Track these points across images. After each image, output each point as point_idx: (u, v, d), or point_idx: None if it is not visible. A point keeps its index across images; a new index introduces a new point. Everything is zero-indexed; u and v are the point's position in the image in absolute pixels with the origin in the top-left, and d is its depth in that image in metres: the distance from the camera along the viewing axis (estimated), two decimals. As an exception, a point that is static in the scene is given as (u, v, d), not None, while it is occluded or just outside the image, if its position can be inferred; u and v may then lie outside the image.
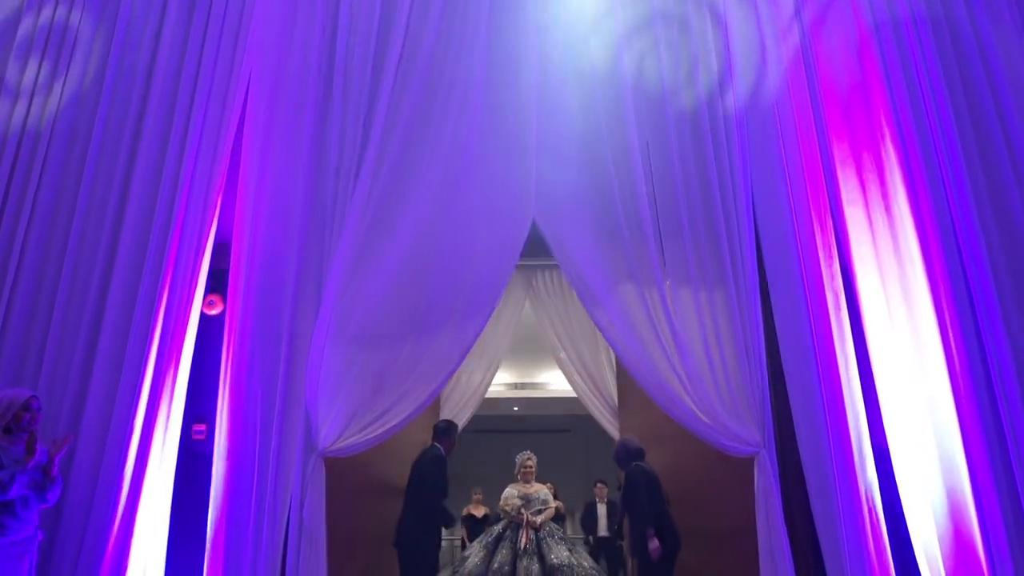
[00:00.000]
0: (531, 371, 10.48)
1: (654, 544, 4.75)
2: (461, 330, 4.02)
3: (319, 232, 4.19)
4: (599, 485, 8.85)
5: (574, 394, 11.04)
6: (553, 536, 6.01)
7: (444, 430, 5.24)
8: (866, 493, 3.87)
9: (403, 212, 4.18)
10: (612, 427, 6.16)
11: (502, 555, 5.73)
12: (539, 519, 6.05)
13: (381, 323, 4.01)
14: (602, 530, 8.56)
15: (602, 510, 8.76)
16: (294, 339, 4.02)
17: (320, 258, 4.16)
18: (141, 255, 4.13)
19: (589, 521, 8.75)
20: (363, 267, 4.05)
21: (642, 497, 4.86)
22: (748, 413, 4.04)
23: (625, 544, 6.96)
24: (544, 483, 6.37)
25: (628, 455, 5.21)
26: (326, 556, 3.72)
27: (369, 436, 3.92)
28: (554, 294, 5.94)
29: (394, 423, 3.94)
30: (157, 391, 3.90)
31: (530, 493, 6.27)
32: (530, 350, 9.57)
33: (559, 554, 5.78)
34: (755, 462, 3.97)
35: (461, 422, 6.07)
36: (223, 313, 4.10)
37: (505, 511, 6.19)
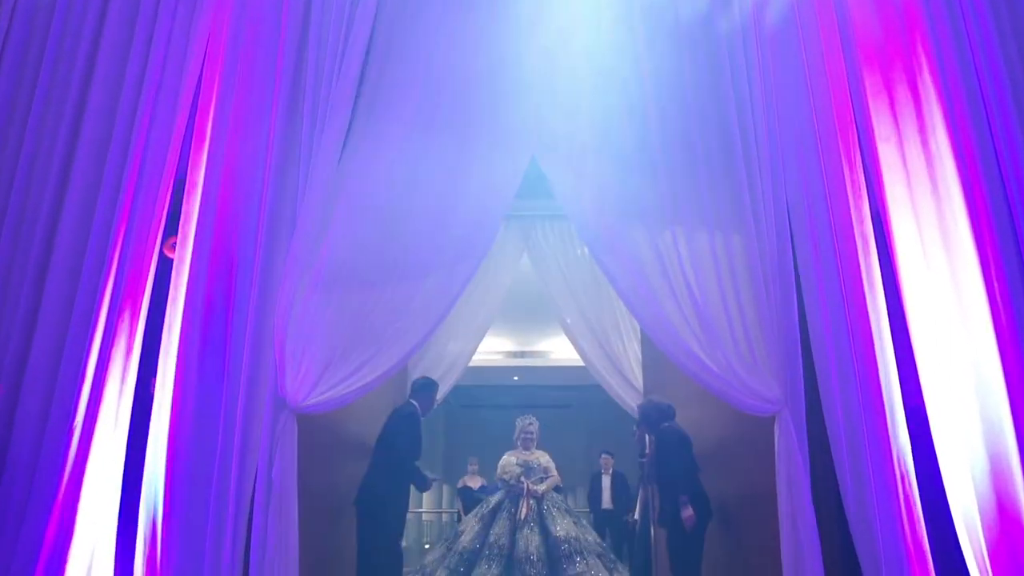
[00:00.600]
0: (532, 338, 10.08)
1: (688, 512, 4.32)
2: (448, 276, 3.60)
3: (291, 167, 3.77)
4: (605, 456, 8.52)
5: (578, 363, 10.71)
6: (557, 507, 5.62)
7: (422, 387, 4.83)
8: (898, 457, 3.46)
9: (384, 147, 3.74)
10: (625, 395, 5.68)
11: (499, 526, 5.40)
12: (541, 488, 5.66)
13: (360, 266, 3.59)
14: (606, 503, 8.22)
15: (606, 482, 8.43)
16: (263, 283, 3.61)
17: (293, 195, 3.74)
18: (95, 190, 3.72)
19: (594, 493, 8.43)
20: (341, 205, 3.63)
21: (676, 460, 4.44)
22: (768, 368, 3.63)
23: (632, 516, 6.56)
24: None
25: (659, 414, 4.72)
26: (297, 518, 3.34)
27: (345, 391, 3.51)
28: (555, 248, 5.49)
29: (372, 377, 3.54)
30: (110, 340, 3.50)
31: (531, 460, 5.92)
32: (531, 316, 9.17)
33: (563, 526, 5.41)
34: (776, 422, 3.57)
35: (440, 394, 5.57)
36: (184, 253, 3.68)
37: (503, 479, 5.82)
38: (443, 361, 5.81)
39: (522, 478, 5.75)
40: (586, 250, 5.62)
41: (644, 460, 5.31)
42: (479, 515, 5.72)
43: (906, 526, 3.35)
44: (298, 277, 3.52)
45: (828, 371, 3.62)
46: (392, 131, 3.72)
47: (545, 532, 5.39)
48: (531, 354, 10.22)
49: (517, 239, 5.50)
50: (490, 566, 5.21)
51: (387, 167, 3.67)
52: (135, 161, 3.74)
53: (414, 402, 4.74)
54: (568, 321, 5.72)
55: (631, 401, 5.53)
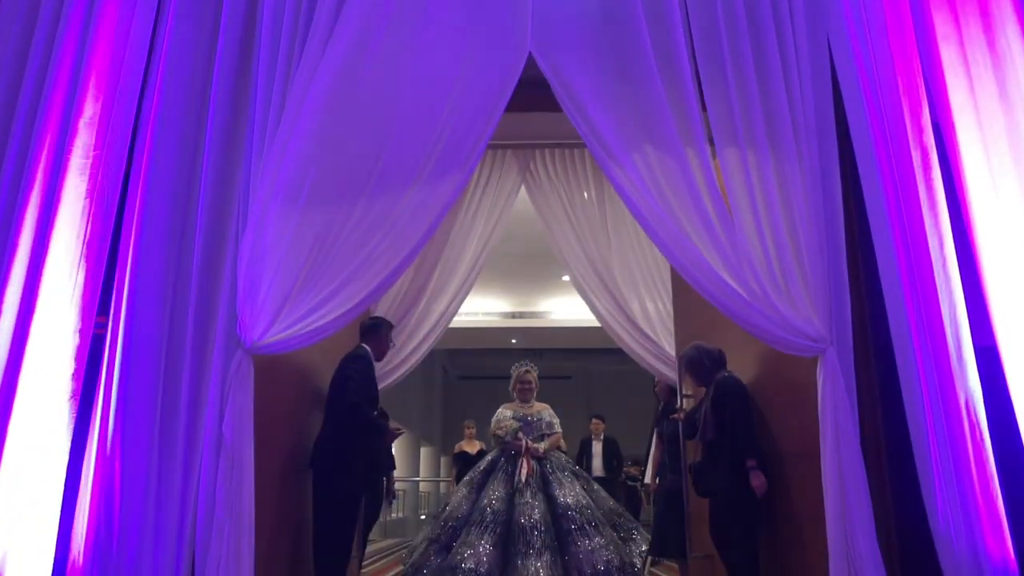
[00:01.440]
0: (531, 298, 9.52)
1: (759, 479, 3.59)
2: (431, 190, 3.03)
3: (246, 63, 3.19)
4: (595, 420, 8.02)
5: (581, 323, 10.16)
6: (563, 469, 4.85)
7: (372, 327, 4.18)
8: (967, 404, 2.93)
9: (363, 37, 3.14)
10: (642, 350, 4.93)
11: (494, 490, 4.65)
12: (542, 446, 4.93)
13: (329, 177, 3.01)
14: (597, 470, 7.73)
15: (597, 447, 7.94)
16: (215, 200, 3.05)
17: (250, 96, 3.16)
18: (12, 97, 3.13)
19: (584, 459, 7.93)
20: (306, 105, 3.04)
21: (738, 416, 3.69)
22: (810, 302, 3.08)
23: (645, 480, 5.96)
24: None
25: (713, 362, 3.97)
26: (253, 479, 2.80)
27: (309, 328, 2.96)
28: (558, 184, 4.87)
29: (340, 312, 2.98)
30: (35, 273, 2.93)
31: (530, 414, 5.15)
32: (530, 273, 8.62)
33: (571, 492, 4.66)
34: (820, 362, 3.03)
35: (419, 354, 4.91)
36: (122, 169, 3.09)
37: (498, 436, 5.06)
38: (430, 316, 5.04)
39: (520, 434, 4.97)
40: (593, 192, 5.02)
41: (675, 417, 4.61)
42: (470, 479, 4.98)
43: (976, 482, 2.82)
44: (259, 191, 2.96)
45: (882, 305, 3.08)
46: (373, 20, 3.11)
47: (550, 499, 4.63)
48: (530, 315, 9.66)
49: (513, 171, 4.87)
50: (482, 535, 4.39)
51: (364, 61, 3.08)
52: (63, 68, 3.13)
53: (365, 345, 4.09)
54: (576, 271, 5.02)
55: (654, 361, 4.86)
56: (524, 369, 5.26)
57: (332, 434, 3.78)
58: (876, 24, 3.48)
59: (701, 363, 3.97)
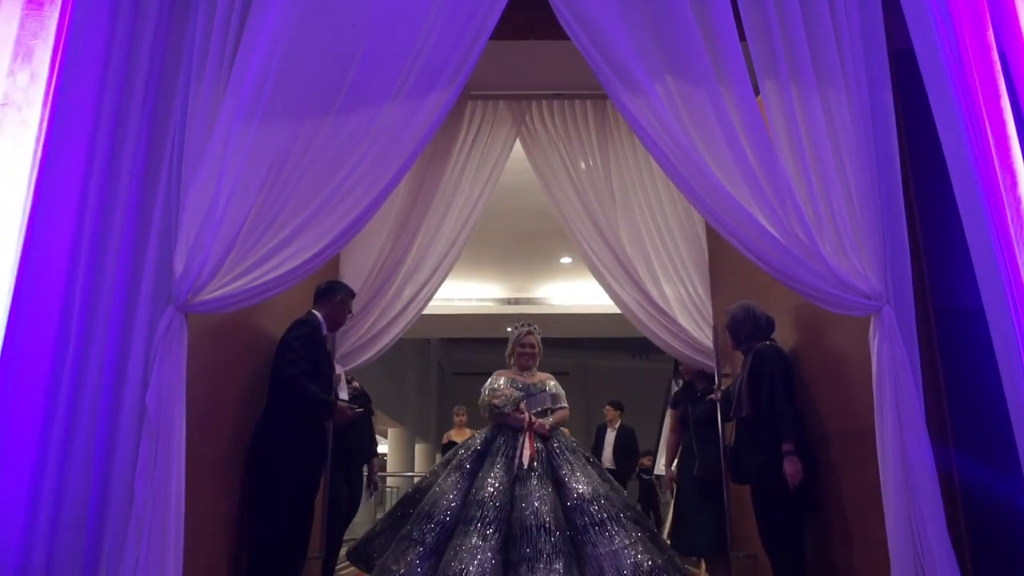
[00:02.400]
0: (527, 283, 8.99)
1: (794, 467, 3.05)
2: (413, 108, 2.52)
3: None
4: (609, 407, 7.49)
5: (580, 310, 9.65)
6: (573, 451, 3.88)
7: (325, 291, 3.55)
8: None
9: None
10: (659, 328, 4.32)
11: (493, 477, 3.63)
12: (548, 422, 3.94)
13: (291, 91, 2.49)
14: (607, 461, 7.19)
15: (610, 437, 7.39)
16: (149, 116, 2.53)
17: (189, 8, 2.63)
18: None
19: (596, 449, 7.40)
20: (263, 10, 2.52)
21: (779, 391, 3.17)
22: (863, 254, 2.57)
23: (661, 470, 5.37)
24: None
25: (756, 327, 3.40)
26: (184, 465, 2.28)
27: (260, 281, 2.44)
28: (557, 138, 4.32)
29: (300, 261, 2.47)
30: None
31: (532, 384, 4.09)
32: (525, 256, 8.11)
33: (586, 480, 3.68)
34: (874, 323, 2.52)
35: (393, 332, 4.23)
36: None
37: (495, 407, 3.91)
38: (405, 292, 4.28)
39: (523, 406, 3.93)
40: (599, 161, 4.47)
41: (712, 398, 4.01)
42: (457, 462, 3.83)
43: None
44: (202, 107, 2.44)
45: (948, 257, 2.58)
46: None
47: (561, 488, 3.67)
48: (526, 301, 9.14)
49: (506, 125, 4.31)
50: (485, 536, 3.40)
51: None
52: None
53: (315, 311, 3.48)
54: (580, 240, 4.43)
55: (663, 333, 4.31)
56: (526, 330, 4.23)
57: (268, 415, 3.22)
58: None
59: (743, 324, 3.40)
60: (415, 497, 3.80)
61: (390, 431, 15.85)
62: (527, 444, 3.71)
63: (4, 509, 2.06)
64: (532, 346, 4.15)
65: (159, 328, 2.33)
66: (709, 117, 2.65)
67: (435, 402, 19.16)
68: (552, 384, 4.14)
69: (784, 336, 3.47)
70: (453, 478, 3.71)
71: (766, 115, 2.72)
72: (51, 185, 2.38)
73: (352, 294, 3.67)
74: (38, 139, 2.37)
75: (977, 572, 2.48)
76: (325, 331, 3.50)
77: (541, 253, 8.02)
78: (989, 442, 2.54)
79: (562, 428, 4.04)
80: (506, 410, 3.86)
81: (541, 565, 3.34)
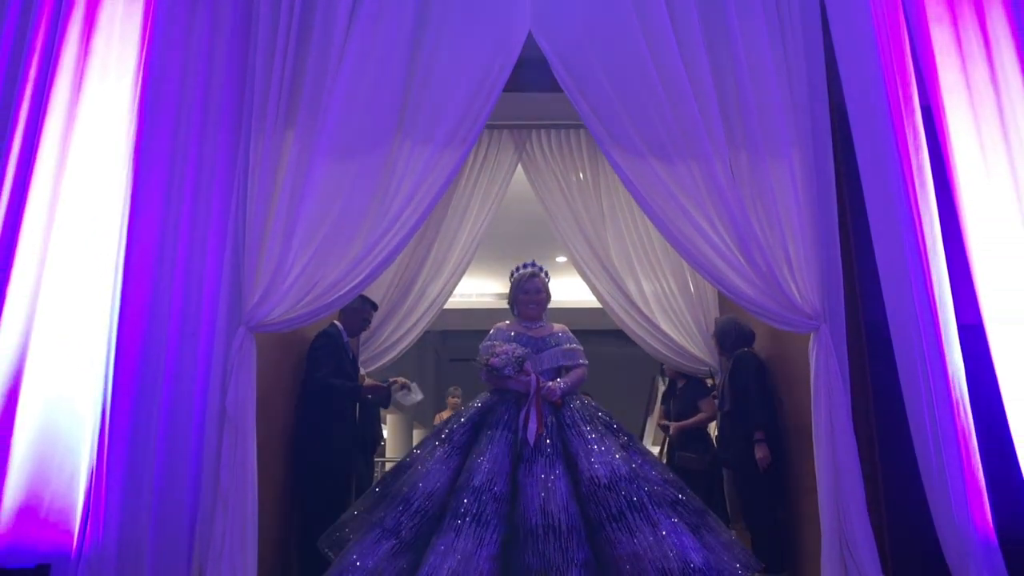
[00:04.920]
0: (525, 279, 9.52)
1: (763, 452, 3.72)
2: (437, 160, 3.11)
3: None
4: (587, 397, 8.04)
5: (574, 306, 10.15)
6: (591, 420, 3.10)
7: (350, 305, 3.98)
8: (954, 380, 2.99)
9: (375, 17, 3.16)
10: (647, 336, 4.85)
11: (490, 455, 2.93)
12: (560, 385, 3.16)
13: (355, 137, 3.05)
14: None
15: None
16: (224, 160, 3.08)
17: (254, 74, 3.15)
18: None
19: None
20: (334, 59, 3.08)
21: (751, 390, 3.82)
22: (804, 280, 3.14)
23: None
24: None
25: (739, 336, 4.06)
26: (255, 455, 2.85)
27: (321, 304, 3.00)
28: (554, 165, 4.88)
29: (358, 280, 3.04)
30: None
31: (540, 338, 3.34)
32: (523, 254, 8.62)
33: (606, 457, 2.91)
34: (814, 338, 3.10)
35: (414, 334, 4.87)
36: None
37: (493, 368, 3.12)
38: (426, 297, 4.95)
39: (527, 366, 3.17)
40: (588, 174, 5.03)
41: (714, 396, 4.53)
42: (448, 436, 3.10)
43: (963, 457, 2.89)
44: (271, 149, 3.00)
45: (877, 284, 3.14)
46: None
47: (574, 472, 2.94)
48: (524, 296, 9.66)
49: (510, 151, 4.87)
50: (473, 537, 2.73)
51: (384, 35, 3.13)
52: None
53: (337, 323, 4.00)
54: (573, 250, 5.01)
55: (649, 339, 4.89)
56: (529, 271, 3.48)
57: (303, 412, 3.79)
58: (867, 11, 3.49)
59: (728, 334, 4.12)
60: (396, 475, 3.13)
61: (388, 417, 16.39)
62: (533, 415, 2.97)
63: (128, 490, 2.63)
64: (539, 291, 3.42)
65: (233, 345, 2.90)
66: (684, 177, 3.19)
67: (432, 388, 19.70)
68: (565, 337, 3.37)
69: (759, 346, 4.08)
70: (439, 453, 3.01)
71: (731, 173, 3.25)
72: (142, 227, 2.92)
73: (371, 305, 4.25)
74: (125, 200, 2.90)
75: (892, 546, 3.07)
76: (346, 338, 4.07)
77: (537, 252, 8.52)
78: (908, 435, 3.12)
79: (584, 370, 3.34)
80: (506, 372, 3.09)
81: (552, 572, 2.67)
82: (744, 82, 3.20)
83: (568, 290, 9.45)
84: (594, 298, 5.16)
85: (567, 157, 4.90)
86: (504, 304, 10.21)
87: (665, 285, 4.89)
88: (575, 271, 5.22)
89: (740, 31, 3.21)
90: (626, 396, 10.39)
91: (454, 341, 20.86)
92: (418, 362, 18.32)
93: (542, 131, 4.85)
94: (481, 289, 9.70)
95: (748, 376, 3.85)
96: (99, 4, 3.14)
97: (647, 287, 4.90)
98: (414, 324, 4.77)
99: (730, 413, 3.94)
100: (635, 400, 10.35)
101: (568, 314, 10.26)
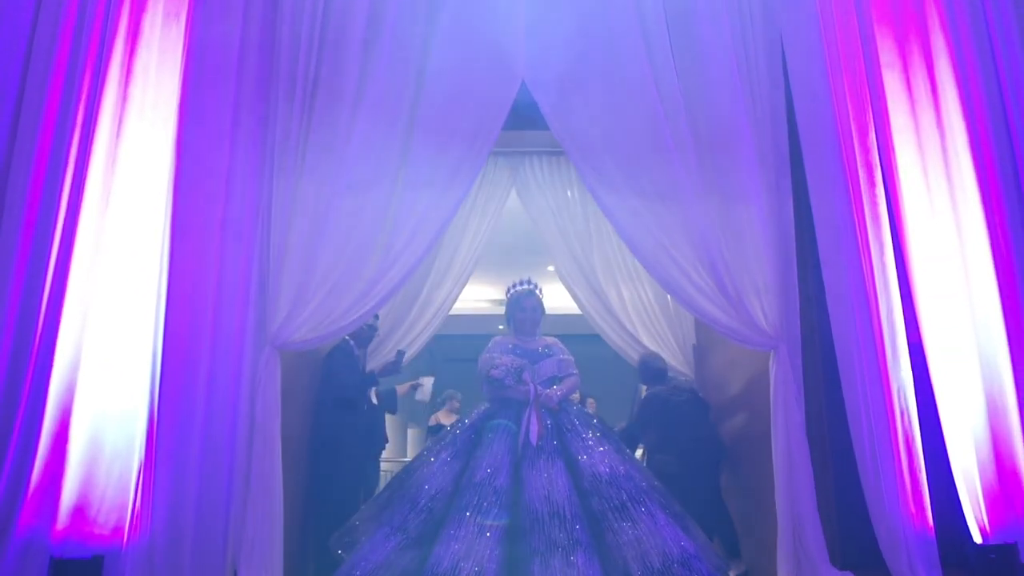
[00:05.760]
0: (519, 286, 9.91)
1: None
2: (441, 195, 3.52)
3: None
4: (590, 400, 8.41)
5: (564, 311, 10.54)
6: (586, 424, 3.46)
7: None
8: (898, 393, 3.39)
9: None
10: (624, 343, 5.29)
11: (491, 457, 3.23)
12: (557, 393, 3.53)
13: (368, 174, 3.44)
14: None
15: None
16: (252, 196, 3.45)
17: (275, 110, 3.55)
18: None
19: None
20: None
21: (651, 425, 4.58)
22: (764, 303, 3.54)
23: None
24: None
25: (650, 374, 4.83)
26: (280, 460, 3.24)
27: (341, 325, 3.42)
28: (545, 186, 5.28)
29: (375, 302, 3.46)
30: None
31: (536, 350, 3.70)
32: (516, 263, 9.00)
33: (604, 456, 3.26)
34: (773, 356, 3.50)
35: (421, 341, 5.38)
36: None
37: (494, 379, 3.49)
38: (430, 307, 5.48)
39: (526, 376, 3.54)
40: (576, 192, 5.43)
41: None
42: (453, 441, 3.43)
43: (904, 462, 3.29)
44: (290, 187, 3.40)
45: (824, 305, 3.55)
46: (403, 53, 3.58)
47: (574, 469, 3.25)
48: (516, 302, 10.05)
49: (506, 177, 5.29)
50: (481, 527, 2.99)
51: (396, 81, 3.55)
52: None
53: (348, 338, 4.33)
54: (557, 264, 5.47)
55: (630, 350, 5.31)
56: (525, 289, 3.85)
57: (321, 418, 4.18)
58: (831, 50, 3.87)
59: (641, 372, 4.93)
60: (402, 479, 3.46)
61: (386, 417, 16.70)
62: (534, 419, 3.28)
63: (171, 491, 3.01)
64: (534, 308, 3.78)
65: (261, 362, 3.28)
66: (653, 202, 3.59)
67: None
68: (558, 348, 3.74)
69: (727, 359, 4.48)
70: (443, 456, 3.32)
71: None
72: (181, 258, 3.30)
73: (376, 317, 4.62)
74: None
75: (841, 538, 3.47)
76: (357, 351, 4.48)
77: (529, 260, 8.92)
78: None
79: (573, 397, 3.82)
80: (507, 382, 3.44)
81: (557, 560, 2.88)
82: (718, 137, 3.59)
83: (555, 297, 9.86)
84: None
85: (557, 181, 5.31)
86: (496, 310, 10.56)
87: (645, 298, 5.30)
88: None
89: (715, 89, 3.60)
90: (628, 393, 10.75)
91: (449, 343, 21.28)
92: (414, 362, 18.70)
93: (535, 157, 5.25)
94: (476, 295, 10.08)
95: (651, 414, 4.61)
96: (135, 54, 3.51)
97: (628, 301, 5.32)
98: (420, 332, 5.17)
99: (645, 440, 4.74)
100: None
101: (567, 320, 10.66)
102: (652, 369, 4.86)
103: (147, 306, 3.18)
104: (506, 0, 3.65)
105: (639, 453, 4.92)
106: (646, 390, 4.90)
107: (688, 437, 4.53)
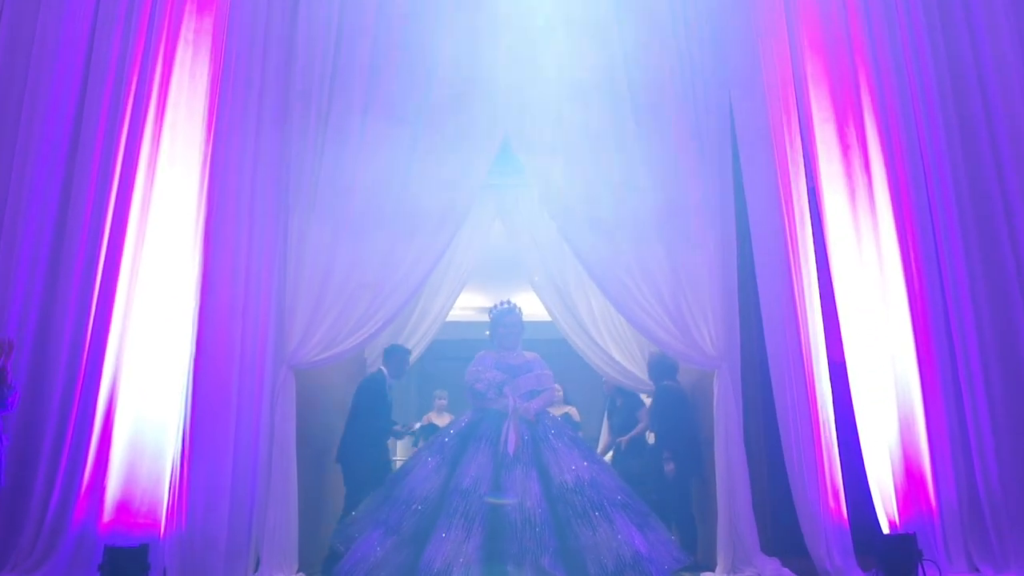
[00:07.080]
0: (503, 296, 10.46)
1: (670, 467, 4.55)
2: (432, 237, 4.12)
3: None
4: (572, 408, 8.84)
5: (545, 319, 11.12)
6: (560, 436, 3.83)
7: (391, 352, 4.85)
8: (822, 406, 3.96)
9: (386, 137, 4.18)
10: (589, 350, 5.78)
11: (476, 465, 3.63)
12: (534, 406, 3.90)
13: (371, 214, 3.99)
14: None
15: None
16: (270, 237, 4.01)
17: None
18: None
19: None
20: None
21: (669, 418, 4.65)
22: (712, 333, 4.10)
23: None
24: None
25: (662, 369, 4.84)
26: (296, 465, 3.80)
27: (348, 348, 3.98)
28: (526, 215, 5.84)
29: (379, 326, 4.01)
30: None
31: (517, 364, 4.08)
32: (502, 275, 9.55)
33: (572, 466, 3.63)
34: (717, 375, 4.08)
35: (420, 348, 5.86)
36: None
37: (476, 391, 3.95)
38: (427, 316, 5.99)
39: (505, 390, 3.91)
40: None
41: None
42: (442, 447, 3.83)
43: (825, 465, 3.86)
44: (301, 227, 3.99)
45: (765, 332, 4.13)
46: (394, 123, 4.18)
47: (546, 478, 3.63)
48: (502, 310, 10.60)
49: (492, 206, 5.86)
50: (468, 529, 3.41)
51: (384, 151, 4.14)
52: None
53: (383, 368, 4.74)
54: (536, 280, 6.05)
55: (594, 356, 5.85)
56: (506, 307, 4.31)
57: (353, 440, 4.52)
58: (774, 105, 4.43)
59: (653, 367, 4.94)
60: (395, 482, 3.87)
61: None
62: (512, 432, 3.64)
63: (203, 489, 3.58)
64: (515, 325, 4.20)
65: (278, 380, 3.84)
66: (626, 255, 4.16)
67: (415, 386, 20.38)
68: (537, 363, 4.10)
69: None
70: (433, 463, 3.72)
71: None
72: (212, 288, 3.84)
73: (409, 352, 5.05)
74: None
75: (773, 530, 4.06)
76: (390, 381, 4.77)
77: (514, 274, 9.46)
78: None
79: (555, 401, 4.41)
80: (489, 395, 3.84)
81: (527, 563, 3.29)
82: (671, 185, 4.19)
83: (539, 306, 10.45)
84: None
85: (538, 212, 5.86)
86: (483, 317, 11.00)
87: (615, 314, 5.88)
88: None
89: (671, 148, 4.21)
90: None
91: (439, 345, 21.80)
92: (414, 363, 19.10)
93: (519, 190, 5.81)
94: (464, 303, 10.62)
95: (669, 407, 4.68)
96: (164, 112, 4.04)
97: (599, 315, 5.89)
98: (419, 340, 5.75)
99: (657, 435, 4.88)
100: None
101: (541, 327, 11.23)
102: (664, 364, 4.80)
103: (182, 330, 3.75)
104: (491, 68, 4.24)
105: (608, 457, 5.21)
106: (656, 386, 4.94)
107: (694, 429, 4.77)
